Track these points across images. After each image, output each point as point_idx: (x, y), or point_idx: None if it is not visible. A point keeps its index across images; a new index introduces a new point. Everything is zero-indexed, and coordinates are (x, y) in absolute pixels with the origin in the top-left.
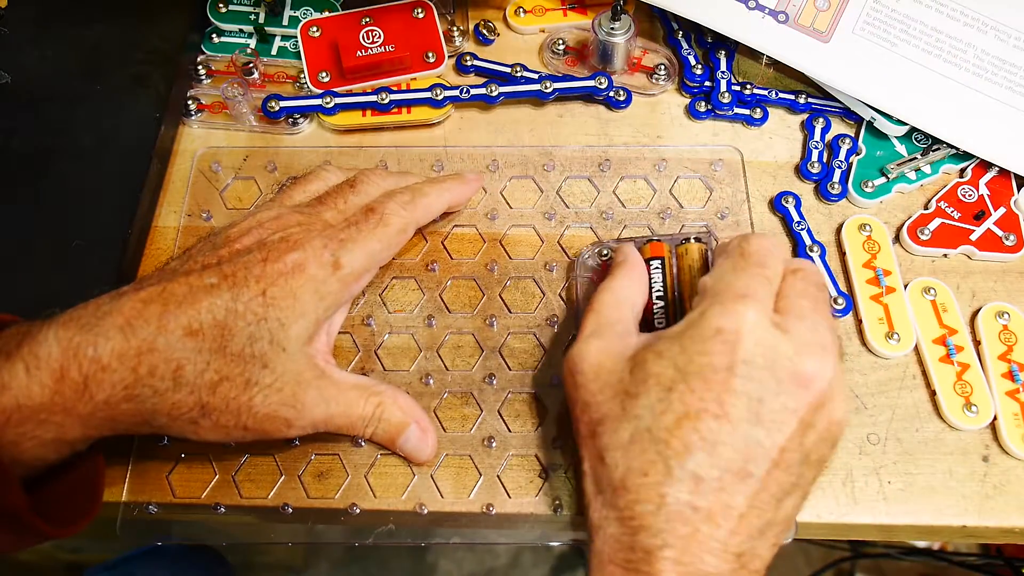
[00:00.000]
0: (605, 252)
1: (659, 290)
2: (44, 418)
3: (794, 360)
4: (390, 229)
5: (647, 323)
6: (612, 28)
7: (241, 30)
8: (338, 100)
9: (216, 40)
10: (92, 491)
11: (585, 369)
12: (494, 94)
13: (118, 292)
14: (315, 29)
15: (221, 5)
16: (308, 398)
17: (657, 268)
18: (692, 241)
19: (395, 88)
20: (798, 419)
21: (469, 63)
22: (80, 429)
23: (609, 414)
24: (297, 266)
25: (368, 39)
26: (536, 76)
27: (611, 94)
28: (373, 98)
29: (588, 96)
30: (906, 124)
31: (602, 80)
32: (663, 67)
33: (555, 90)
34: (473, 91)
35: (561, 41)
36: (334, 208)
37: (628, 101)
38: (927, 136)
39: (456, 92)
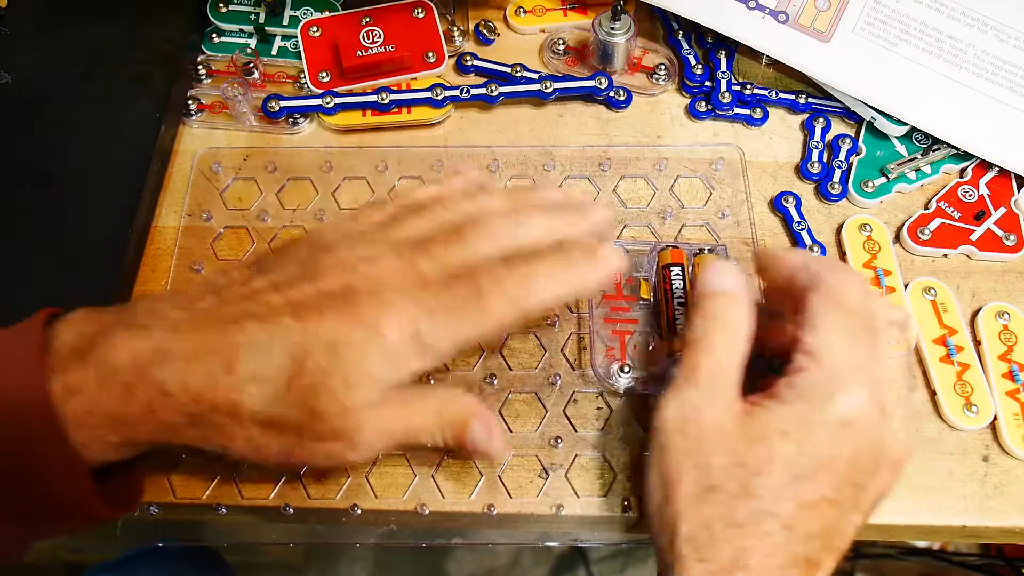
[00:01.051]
0: None
1: (681, 297)
2: (113, 426)
3: (890, 448)
4: (488, 320)
5: (670, 328)
6: (612, 28)
7: (241, 30)
8: (338, 100)
9: (216, 40)
10: (139, 472)
11: (703, 424)
12: (494, 94)
13: (189, 302)
14: (315, 29)
15: (221, 5)
16: (365, 436)
17: (678, 275)
18: (707, 252)
19: (395, 88)
20: (877, 498)
21: (469, 63)
22: (145, 438)
23: (725, 485)
24: (378, 329)
25: (368, 39)
26: (536, 76)
27: (611, 94)
28: (373, 98)
29: (588, 96)
30: (906, 124)
31: (602, 80)
32: (663, 67)
33: (555, 90)
34: (473, 91)
35: (561, 41)
36: (434, 259)
37: (628, 101)
38: (927, 136)
39: (456, 92)
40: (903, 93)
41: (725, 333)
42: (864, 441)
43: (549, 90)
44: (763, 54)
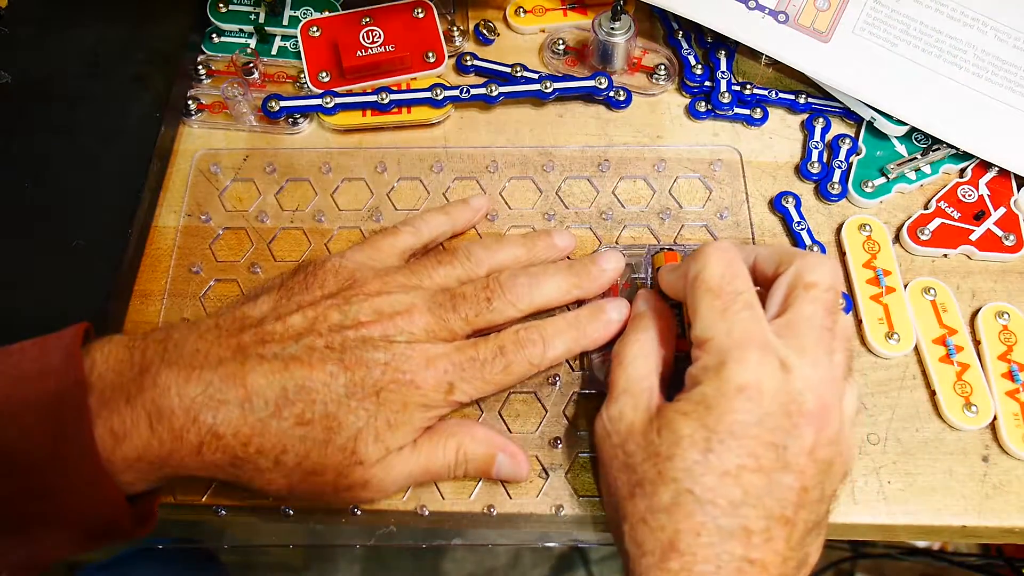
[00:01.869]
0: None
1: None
2: (159, 465)
3: (801, 401)
4: (510, 378)
5: None
6: (612, 28)
7: (241, 30)
8: (338, 100)
9: (216, 40)
10: (160, 491)
11: (621, 430)
12: (494, 94)
13: (228, 335)
14: (315, 29)
15: (221, 5)
16: (392, 479)
17: None
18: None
19: (395, 88)
20: (813, 458)
21: (469, 63)
22: (184, 473)
23: (646, 476)
24: (415, 383)
25: (368, 39)
26: (536, 76)
27: (611, 94)
28: (373, 98)
29: (588, 96)
30: (906, 124)
31: (602, 80)
32: (663, 67)
33: (555, 90)
34: (473, 91)
35: (561, 41)
36: (464, 319)
37: (628, 101)
38: (927, 136)
39: (456, 92)
40: (903, 93)
41: (637, 345)
42: (767, 401)
43: (549, 90)
44: (763, 54)
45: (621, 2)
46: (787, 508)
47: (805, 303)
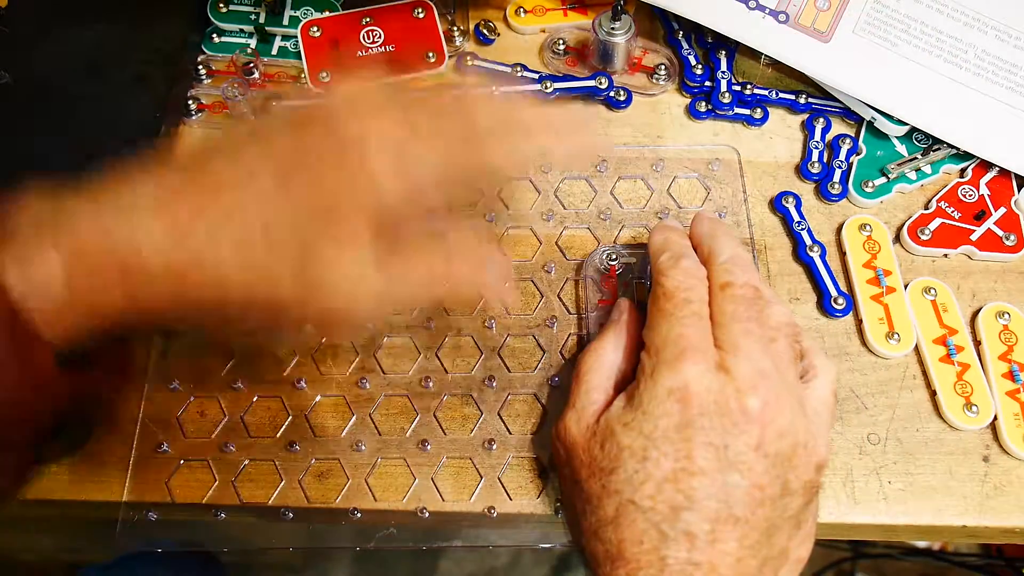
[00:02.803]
0: (614, 256)
1: None
2: (87, 316)
3: (739, 398)
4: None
5: None
6: (612, 28)
7: (241, 30)
8: None
9: (216, 40)
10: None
11: (569, 444)
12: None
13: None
14: (315, 29)
15: (221, 5)
16: (364, 298)
17: None
18: None
19: None
20: (763, 454)
21: (470, 63)
22: (117, 324)
23: (592, 492)
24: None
25: (368, 39)
26: (536, 76)
27: (611, 94)
28: None
29: (588, 96)
30: (906, 124)
31: (602, 80)
32: (663, 67)
33: (556, 90)
34: None
35: (562, 41)
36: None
37: (628, 101)
38: (927, 136)
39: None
40: (904, 93)
41: (593, 356)
42: (700, 402)
43: (549, 90)
44: (763, 54)
45: (621, 2)
46: (736, 507)
47: (726, 303)
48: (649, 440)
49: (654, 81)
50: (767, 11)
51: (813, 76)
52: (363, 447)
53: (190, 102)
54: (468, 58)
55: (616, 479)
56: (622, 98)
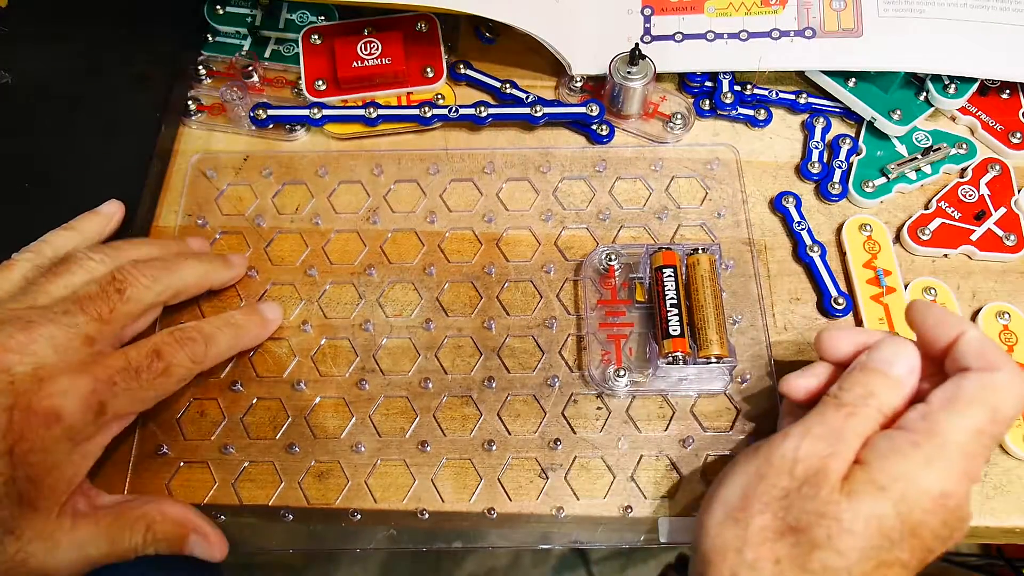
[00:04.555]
0: (613, 257)
1: (673, 298)
2: None
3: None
4: (170, 380)
5: (663, 332)
6: (629, 72)
7: (237, 32)
8: (326, 112)
9: (211, 41)
10: None
11: (806, 470)
12: (483, 115)
13: None
14: (316, 36)
15: (218, 7)
16: (62, 558)
17: (671, 276)
18: (700, 252)
19: (384, 103)
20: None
21: (462, 71)
22: None
23: (811, 532)
24: (55, 413)
25: (365, 50)
26: (525, 96)
27: (593, 126)
28: (361, 112)
29: (577, 124)
30: (908, 124)
31: (593, 107)
32: (680, 116)
33: (545, 115)
34: (462, 111)
35: (580, 78)
36: (98, 318)
37: (611, 136)
38: (927, 136)
39: (445, 111)
40: (944, 49)
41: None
42: (958, 516)
43: (539, 114)
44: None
45: (639, 47)
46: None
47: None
48: (904, 526)
49: (668, 129)
50: (792, 34)
51: (861, 69)
52: (363, 448)
53: (190, 103)
54: (461, 66)
55: (847, 543)
56: (604, 132)
